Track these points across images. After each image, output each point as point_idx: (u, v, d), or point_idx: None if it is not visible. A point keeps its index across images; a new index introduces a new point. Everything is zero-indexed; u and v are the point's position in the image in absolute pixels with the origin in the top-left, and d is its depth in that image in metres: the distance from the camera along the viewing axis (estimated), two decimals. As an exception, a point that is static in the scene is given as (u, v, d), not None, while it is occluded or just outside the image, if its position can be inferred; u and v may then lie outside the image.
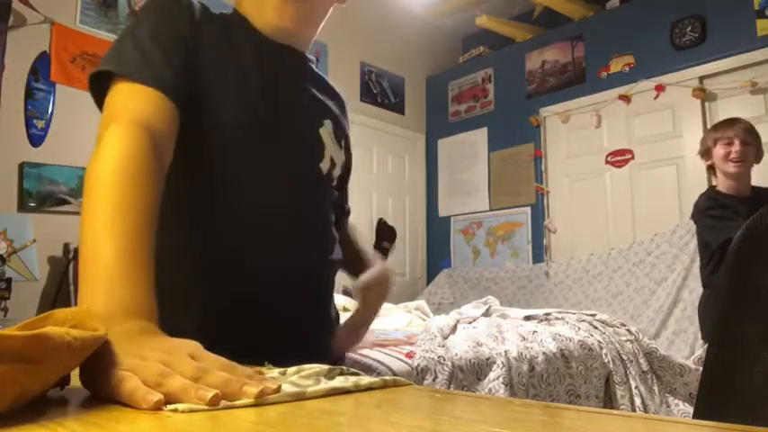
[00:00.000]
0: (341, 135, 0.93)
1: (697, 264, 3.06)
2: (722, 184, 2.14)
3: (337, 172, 0.90)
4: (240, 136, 0.79)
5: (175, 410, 0.37)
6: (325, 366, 0.52)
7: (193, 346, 0.46)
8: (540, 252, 4.28)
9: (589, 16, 4.23)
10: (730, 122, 2.16)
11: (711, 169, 2.23)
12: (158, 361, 0.41)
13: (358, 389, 0.48)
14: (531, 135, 4.41)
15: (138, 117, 0.66)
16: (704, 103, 3.58)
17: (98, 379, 0.41)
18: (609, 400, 1.98)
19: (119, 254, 0.53)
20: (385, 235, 4.59)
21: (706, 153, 2.19)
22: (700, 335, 2.59)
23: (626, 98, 3.89)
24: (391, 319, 2.48)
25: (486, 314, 2.38)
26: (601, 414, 0.40)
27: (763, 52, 3.32)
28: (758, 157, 2.15)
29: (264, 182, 0.80)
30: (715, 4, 3.53)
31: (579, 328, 2.10)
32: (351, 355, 1.31)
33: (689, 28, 3.62)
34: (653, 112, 3.80)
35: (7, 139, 2.79)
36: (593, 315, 2.31)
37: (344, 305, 2.11)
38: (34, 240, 2.61)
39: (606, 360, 2.00)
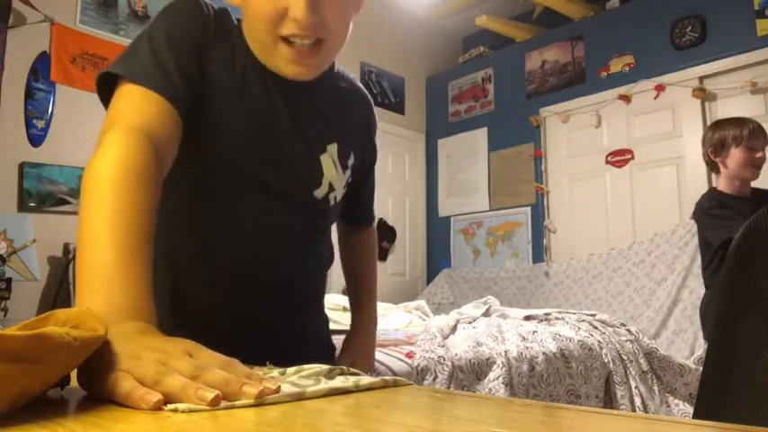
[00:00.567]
0: (347, 154, 0.90)
1: (697, 264, 3.06)
2: (725, 184, 2.09)
3: (338, 193, 0.89)
4: (227, 161, 0.79)
5: (175, 410, 0.37)
6: (325, 366, 0.52)
7: (191, 343, 0.46)
8: (540, 252, 4.28)
9: (589, 16, 4.23)
10: (757, 131, 2.02)
11: (714, 166, 2.11)
12: (154, 359, 0.41)
13: (358, 389, 0.48)
14: (531, 135, 4.41)
15: (142, 122, 0.66)
16: (704, 103, 3.58)
17: (95, 380, 0.40)
18: (609, 400, 1.98)
19: (118, 258, 0.53)
20: (385, 235, 4.60)
21: (722, 148, 2.04)
22: (700, 335, 2.59)
23: (626, 98, 3.89)
24: (391, 319, 2.48)
25: (486, 314, 2.39)
26: (601, 414, 0.40)
27: (763, 52, 3.33)
28: None
29: (248, 214, 0.81)
30: (715, 4, 3.53)
31: (579, 328, 2.10)
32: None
33: (689, 28, 3.62)
34: (653, 112, 3.80)
35: (7, 139, 2.79)
36: (593, 315, 2.31)
37: (345, 305, 2.11)
38: (34, 240, 2.61)
39: (606, 360, 2.00)
